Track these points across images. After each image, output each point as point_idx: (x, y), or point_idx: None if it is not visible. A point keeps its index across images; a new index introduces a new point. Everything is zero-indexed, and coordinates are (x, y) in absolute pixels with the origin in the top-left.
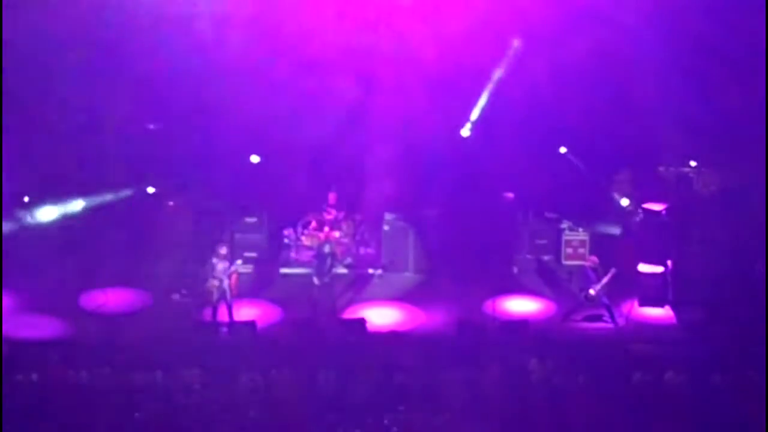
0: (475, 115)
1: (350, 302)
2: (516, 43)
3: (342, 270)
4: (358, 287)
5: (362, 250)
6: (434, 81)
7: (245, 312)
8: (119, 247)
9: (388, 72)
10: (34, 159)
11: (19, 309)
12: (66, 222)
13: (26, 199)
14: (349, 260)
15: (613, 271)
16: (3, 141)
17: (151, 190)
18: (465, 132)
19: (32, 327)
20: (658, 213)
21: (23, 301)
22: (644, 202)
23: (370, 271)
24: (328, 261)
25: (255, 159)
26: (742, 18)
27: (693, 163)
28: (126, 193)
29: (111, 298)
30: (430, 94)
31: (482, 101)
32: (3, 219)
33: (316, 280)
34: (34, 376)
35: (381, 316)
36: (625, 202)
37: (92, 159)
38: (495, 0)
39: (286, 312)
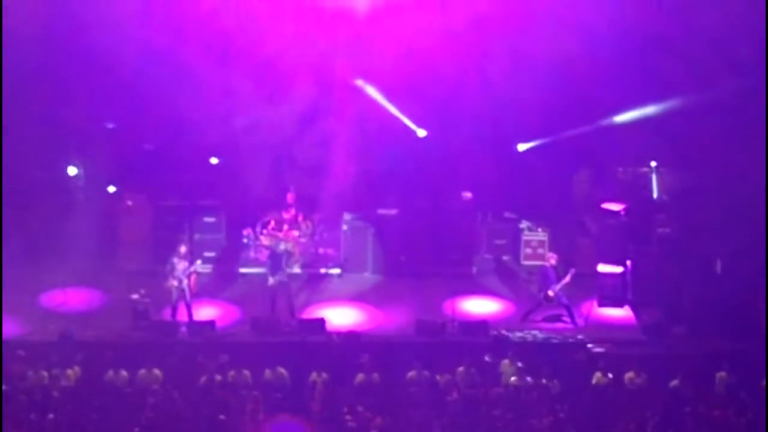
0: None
1: (309, 302)
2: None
3: (297, 270)
4: (317, 287)
5: (321, 250)
6: (392, 81)
7: (204, 312)
8: (78, 245)
9: (346, 73)
10: None
11: None
12: (24, 221)
13: None
14: (303, 260)
15: (572, 271)
16: None
17: (111, 189)
18: (422, 132)
19: None
20: (616, 213)
21: None
22: (603, 203)
23: (329, 271)
24: (283, 260)
25: (214, 160)
26: (703, 16)
27: (653, 164)
28: (85, 191)
29: (70, 298)
30: (387, 94)
31: (439, 101)
32: None
33: (270, 280)
34: None
35: (340, 316)
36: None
37: (52, 158)
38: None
39: (245, 312)
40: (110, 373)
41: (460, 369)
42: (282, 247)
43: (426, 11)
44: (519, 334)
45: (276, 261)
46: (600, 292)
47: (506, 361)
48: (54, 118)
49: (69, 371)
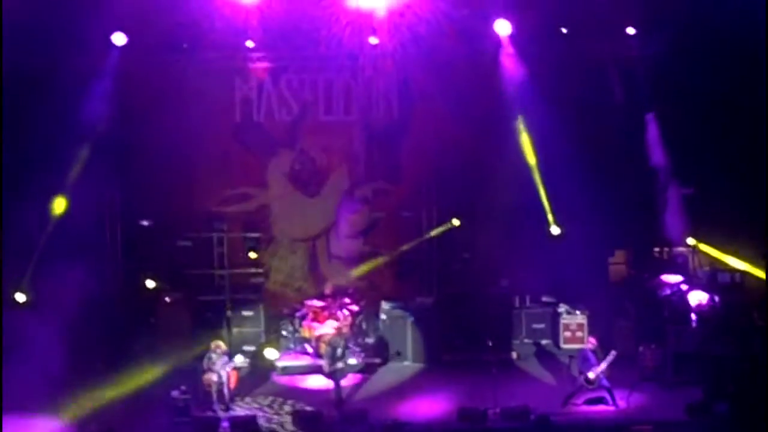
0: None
1: (351, 393)
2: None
3: (353, 361)
4: (359, 377)
5: (361, 340)
6: (424, 165)
7: (245, 406)
8: (118, 342)
9: (381, 158)
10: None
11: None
12: (60, 314)
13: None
14: (351, 353)
15: (613, 353)
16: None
17: (150, 284)
18: (456, 221)
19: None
20: (654, 293)
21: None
22: (642, 283)
23: (373, 361)
24: (338, 351)
25: (253, 255)
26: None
27: (691, 241)
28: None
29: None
30: (420, 180)
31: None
32: None
33: (327, 369)
34: None
35: (382, 407)
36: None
37: (88, 255)
38: (488, 87)
39: (286, 405)
40: None
41: None
42: (337, 341)
43: (462, 92)
44: (560, 417)
45: (333, 351)
46: (641, 372)
47: None
48: (87, 214)
49: None
